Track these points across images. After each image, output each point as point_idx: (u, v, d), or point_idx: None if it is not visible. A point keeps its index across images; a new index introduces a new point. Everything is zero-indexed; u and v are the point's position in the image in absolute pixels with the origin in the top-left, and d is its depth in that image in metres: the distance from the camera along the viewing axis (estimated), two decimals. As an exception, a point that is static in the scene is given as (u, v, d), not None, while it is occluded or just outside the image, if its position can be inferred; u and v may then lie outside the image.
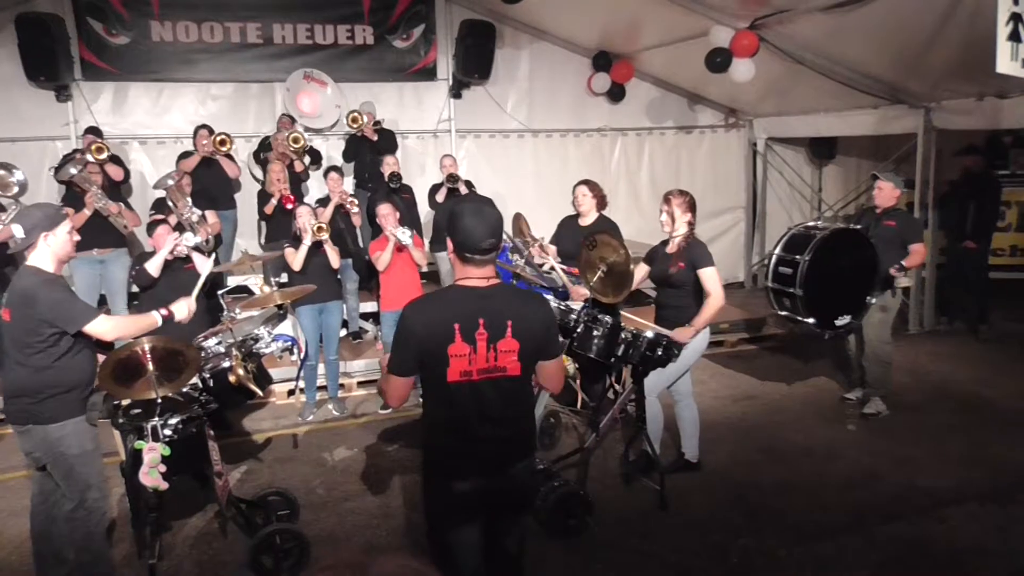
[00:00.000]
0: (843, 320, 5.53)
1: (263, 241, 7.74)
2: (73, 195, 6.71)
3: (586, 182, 5.89)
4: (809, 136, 9.99)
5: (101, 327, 3.56)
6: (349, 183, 8.46)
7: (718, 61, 7.42)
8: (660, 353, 4.53)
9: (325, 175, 7.61)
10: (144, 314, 3.86)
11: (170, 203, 6.48)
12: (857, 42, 6.84)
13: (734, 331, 8.46)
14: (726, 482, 5.11)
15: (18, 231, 3.55)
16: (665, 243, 5.03)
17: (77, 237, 3.77)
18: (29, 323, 3.48)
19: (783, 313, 5.65)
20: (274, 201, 7.18)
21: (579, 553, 4.33)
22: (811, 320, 5.40)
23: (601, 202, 5.85)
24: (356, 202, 7.42)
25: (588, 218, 5.82)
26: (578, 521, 4.46)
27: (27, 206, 3.77)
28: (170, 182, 6.41)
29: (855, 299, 5.59)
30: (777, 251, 5.61)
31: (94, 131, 7.52)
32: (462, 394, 2.73)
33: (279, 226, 7.19)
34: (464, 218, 2.71)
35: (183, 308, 4.05)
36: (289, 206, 6.94)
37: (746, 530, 4.50)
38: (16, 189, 6.30)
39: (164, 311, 3.91)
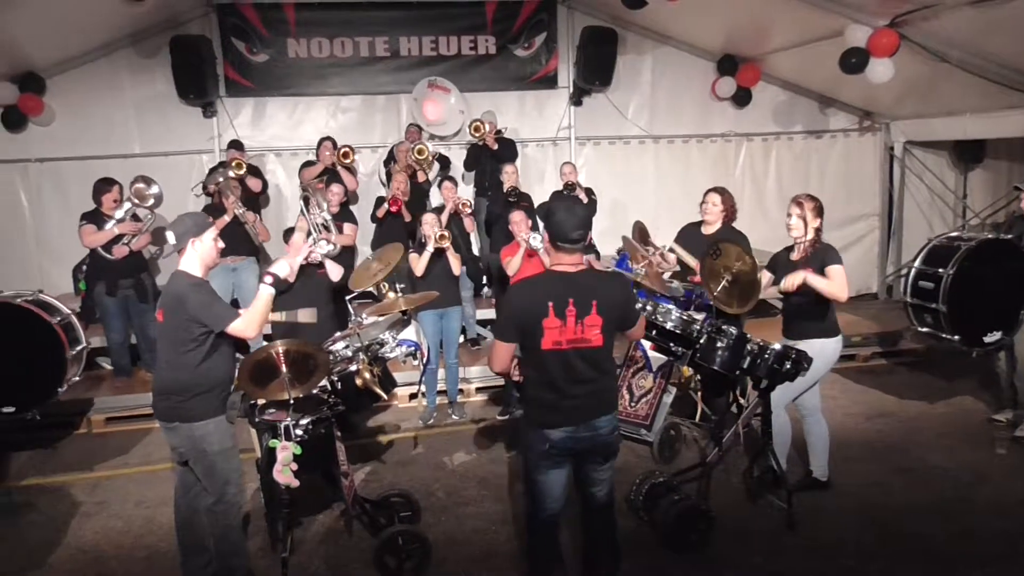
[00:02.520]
0: (993, 336, 5.16)
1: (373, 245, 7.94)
2: (214, 207, 7.14)
3: (719, 190, 5.56)
4: (954, 139, 9.35)
5: (240, 325, 3.77)
6: (469, 191, 8.61)
7: (853, 62, 7.07)
8: (788, 366, 4.33)
9: (439, 185, 7.77)
10: (257, 296, 3.94)
11: (314, 203, 6.77)
12: (1009, 37, 6.35)
13: (866, 345, 8.01)
14: (858, 503, 4.85)
15: (170, 237, 3.84)
16: (789, 249, 4.83)
17: (221, 244, 4.01)
18: (180, 323, 3.72)
19: (924, 330, 5.31)
20: (385, 205, 7.43)
21: (700, 569, 4.22)
22: (956, 337, 5.05)
23: (730, 213, 5.51)
24: (470, 203, 7.52)
25: (712, 227, 5.52)
26: (699, 536, 4.35)
27: (180, 215, 4.04)
28: (314, 183, 6.70)
29: (1006, 313, 5.21)
30: (917, 264, 5.30)
31: (236, 144, 8.01)
32: (553, 360, 3.33)
33: (388, 231, 7.38)
34: (558, 213, 3.35)
35: (284, 266, 4.15)
36: (394, 209, 7.13)
37: (881, 556, 4.25)
38: (152, 201, 6.77)
39: (268, 278, 3.94)
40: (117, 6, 6.67)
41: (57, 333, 5.76)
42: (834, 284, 4.50)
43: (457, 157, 9.00)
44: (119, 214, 6.72)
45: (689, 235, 5.65)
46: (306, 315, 4.87)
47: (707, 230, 5.55)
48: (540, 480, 3.50)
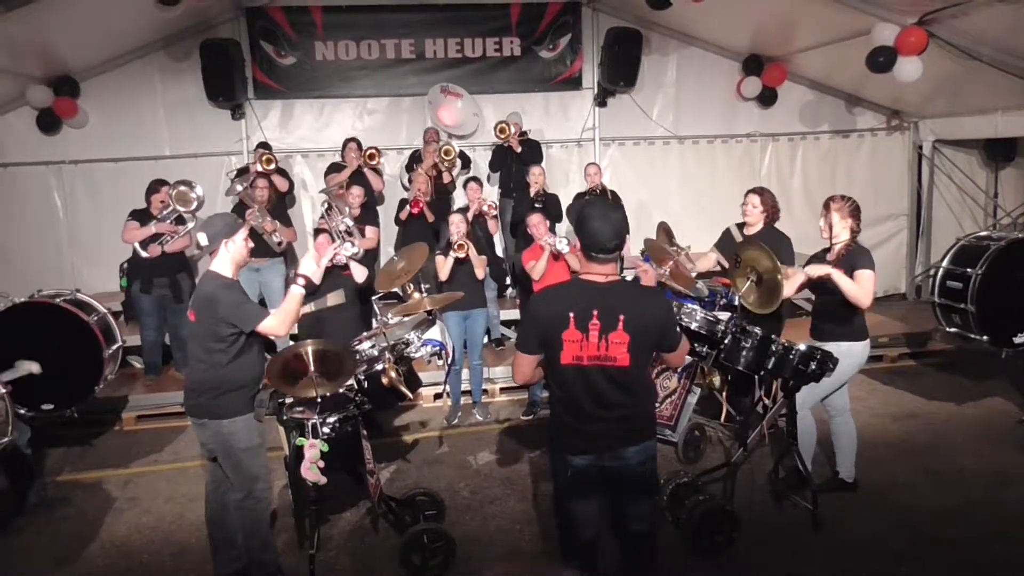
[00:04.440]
0: (1023, 337, 5.07)
1: (396, 247, 8.00)
2: (242, 208, 7.25)
3: (759, 191, 5.49)
4: (985, 137, 9.22)
5: (270, 324, 3.83)
6: (494, 192, 8.65)
7: (881, 60, 7.00)
8: (814, 367, 4.31)
9: (465, 185, 7.82)
10: (287, 296, 3.99)
11: (335, 209, 6.86)
12: (1042, 34, 6.27)
13: (894, 345, 7.94)
14: (886, 505, 4.82)
15: (203, 239, 3.90)
16: (827, 250, 4.80)
17: (251, 244, 4.07)
18: (212, 323, 3.79)
19: (952, 330, 5.26)
20: (407, 208, 7.48)
21: (724, 570, 4.22)
22: (985, 338, 4.99)
23: (772, 214, 5.43)
24: (494, 205, 7.56)
25: (754, 228, 5.47)
26: (724, 537, 4.34)
27: (211, 216, 4.11)
28: (333, 189, 6.77)
29: (1038, 314, 5.13)
30: (945, 264, 5.25)
31: (264, 146, 8.12)
32: (572, 376, 3.06)
33: (412, 232, 7.43)
34: (592, 221, 3.04)
35: (309, 264, 4.09)
36: (415, 211, 7.22)
37: (909, 557, 4.22)
38: (195, 204, 6.88)
39: (299, 280, 3.98)
40: (150, 10, 6.79)
41: (94, 332, 5.88)
42: (858, 288, 4.47)
43: (482, 159, 9.04)
44: (163, 215, 6.85)
45: (731, 237, 5.64)
46: (335, 298, 4.93)
47: (748, 231, 5.52)
48: (566, 508, 3.28)
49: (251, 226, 7.03)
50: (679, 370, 5.63)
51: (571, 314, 3.01)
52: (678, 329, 3.31)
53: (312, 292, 5.75)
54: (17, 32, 6.70)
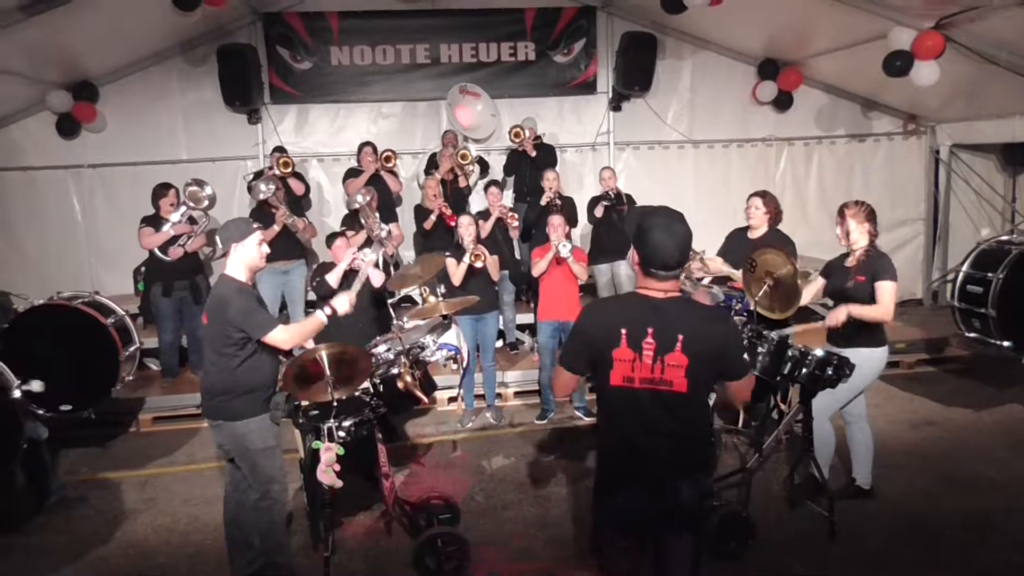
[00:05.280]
0: (1044, 343, 5.02)
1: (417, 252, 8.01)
2: (261, 212, 7.29)
3: (761, 194, 5.56)
4: (1003, 142, 9.15)
5: (279, 337, 3.84)
6: (508, 196, 8.66)
7: (898, 65, 6.96)
8: (830, 373, 4.29)
9: (485, 189, 7.84)
10: (311, 317, 4.11)
11: (362, 219, 6.89)
12: (1061, 38, 6.22)
13: (912, 351, 7.87)
14: (903, 512, 4.77)
15: (218, 242, 3.94)
16: (845, 256, 4.77)
17: (267, 250, 4.07)
18: (222, 326, 3.82)
19: (972, 335, 5.21)
20: (433, 217, 7.42)
21: (740, 576, 4.20)
22: (1006, 343, 4.94)
23: (775, 216, 5.50)
24: (516, 215, 7.57)
25: (758, 231, 5.50)
26: (739, 543, 4.32)
27: (226, 221, 4.15)
28: (359, 199, 6.78)
29: (1058, 320, 5.07)
30: (965, 268, 5.21)
31: (280, 150, 8.15)
32: (623, 400, 2.75)
33: (437, 242, 7.40)
34: (653, 233, 2.69)
35: (344, 302, 4.19)
36: (453, 224, 7.20)
37: (928, 565, 4.19)
38: (207, 203, 6.94)
39: (328, 309, 4.11)
40: (168, 16, 6.86)
41: (112, 335, 5.93)
42: (879, 308, 4.44)
43: (496, 163, 9.06)
44: (175, 217, 6.92)
45: (735, 240, 5.63)
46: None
47: (753, 235, 5.53)
48: (610, 546, 2.98)
49: (284, 225, 7.12)
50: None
51: (623, 330, 2.70)
52: (746, 357, 3.02)
53: (329, 296, 5.81)
54: (38, 38, 6.78)
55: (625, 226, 7.47)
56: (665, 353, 2.68)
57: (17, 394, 4.84)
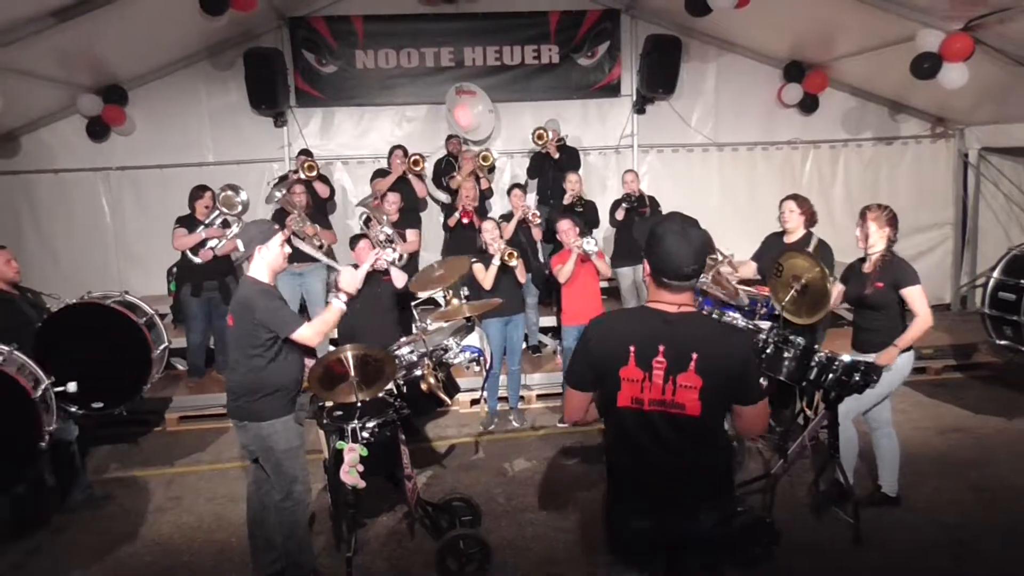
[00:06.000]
0: (1077, 351, 4.94)
1: (443, 253, 8.07)
2: (283, 214, 7.36)
3: (794, 197, 5.49)
4: (1033, 145, 9.02)
5: (305, 333, 3.89)
6: (531, 199, 8.67)
7: (926, 67, 6.88)
8: (857, 378, 4.25)
9: (508, 192, 7.86)
10: (329, 308, 4.10)
11: (373, 220, 6.94)
12: (1095, 39, 6.12)
13: (939, 357, 7.78)
14: (930, 521, 4.71)
15: (240, 245, 3.99)
16: (862, 261, 4.73)
17: (288, 250, 4.11)
18: (249, 327, 3.86)
19: (1003, 343, 5.13)
20: (456, 215, 7.54)
21: (763, 583, 4.17)
22: (1038, 350, 4.88)
23: (810, 219, 5.43)
24: (539, 215, 7.58)
25: (794, 235, 5.43)
26: (763, 550, 4.28)
27: (247, 223, 4.19)
28: (369, 201, 6.85)
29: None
30: (996, 274, 5.13)
31: (305, 153, 8.23)
32: (631, 422, 2.56)
33: (459, 240, 7.50)
34: (666, 240, 2.49)
35: (348, 279, 4.16)
36: (466, 220, 7.25)
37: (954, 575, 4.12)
38: (240, 208, 7.01)
39: (341, 295, 4.08)
40: (196, 21, 6.95)
41: (143, 333, 6.00)
42: (919, 321, 4.41)
43: (520, 166, 9.06)
44: (209, 219, 7.01)
45: (771, 245, 5.59)
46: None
47: (788, 239, 5.47)
48: (622, 568, 2.73)
49: (292, 231, 7.17)
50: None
51: (631, 347, 2.51)
52: (762, 381, 2.81)
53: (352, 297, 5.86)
54: (69, 43, 6.90)
55: (635, 234, 7.43)
56: (677, 373, 2.49)
57: (41, 392, 4.91)
